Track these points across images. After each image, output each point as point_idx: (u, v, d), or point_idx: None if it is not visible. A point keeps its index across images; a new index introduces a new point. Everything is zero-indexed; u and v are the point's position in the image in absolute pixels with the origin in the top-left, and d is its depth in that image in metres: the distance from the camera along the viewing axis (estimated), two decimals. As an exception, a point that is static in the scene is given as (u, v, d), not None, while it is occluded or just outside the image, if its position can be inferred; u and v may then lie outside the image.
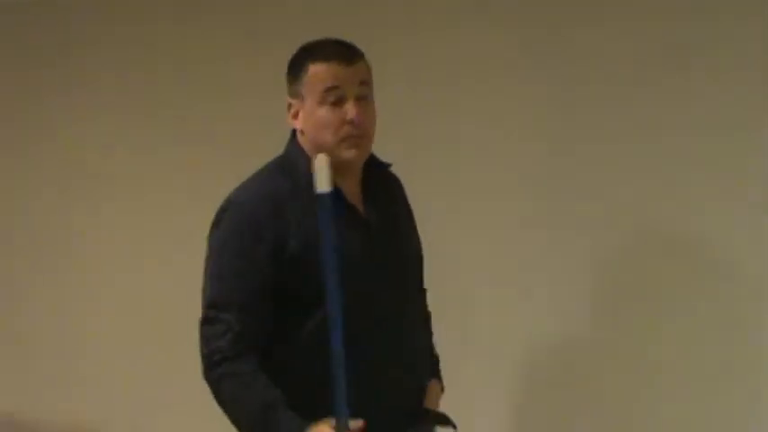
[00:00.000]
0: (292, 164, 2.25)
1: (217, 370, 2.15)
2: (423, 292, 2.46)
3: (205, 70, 3.44)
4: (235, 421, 2.17)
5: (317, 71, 2.20)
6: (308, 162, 2.17)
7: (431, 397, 2.34)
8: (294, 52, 2.28)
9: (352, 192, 2.27)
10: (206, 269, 2.23)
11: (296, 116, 2.25)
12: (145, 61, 3.53)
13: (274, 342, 2.19)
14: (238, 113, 3.39)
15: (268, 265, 2.17)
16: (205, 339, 2.19)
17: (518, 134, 3.06)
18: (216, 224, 2.24)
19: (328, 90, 2.19)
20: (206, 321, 2.19)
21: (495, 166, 3.09)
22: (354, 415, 2.07)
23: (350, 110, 2.18)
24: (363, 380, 2.12)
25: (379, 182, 2.34)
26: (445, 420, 2.37)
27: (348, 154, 2.21)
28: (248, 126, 3.33)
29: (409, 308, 2.31)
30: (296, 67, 2.24)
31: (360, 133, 2.21)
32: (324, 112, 2.20)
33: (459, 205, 3.11)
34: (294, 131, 2.29)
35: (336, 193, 2.14)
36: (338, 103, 2.19)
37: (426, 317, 2.45)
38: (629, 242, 2.98)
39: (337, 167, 2.14)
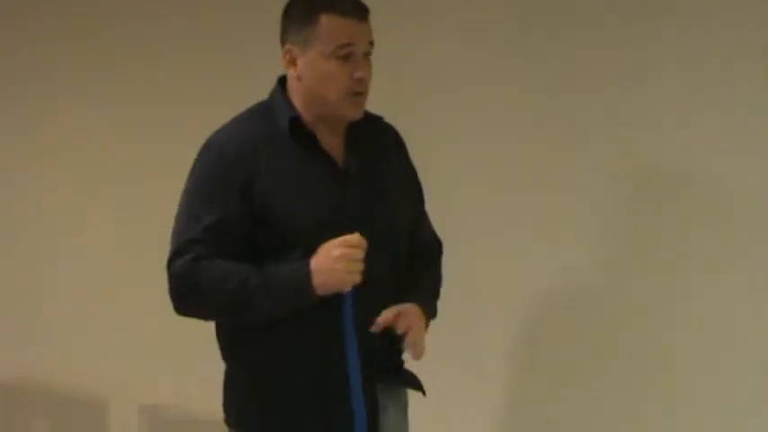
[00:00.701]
0: (274, 111, 2.26)
1: (187, 256, 2.17)
2: (426, 251, 2.43)
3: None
4: (217, 304, 2.19)
5: (333, 24, 2.18)
6: (291, 112, 2.23)
7: (407, 312, 2.26)
8: None
9: (332, 143, 2.27)
10: (179, 206, 2.25)
11: (293, 62, 2.23)
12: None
13: None
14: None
15: (235, 205, 2.18)
16: (172, 255, 2.22)
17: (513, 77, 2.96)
18: (193, 164, 2.27)
19: (342, 46, 2.19)
20: (175, 255, 2.20)
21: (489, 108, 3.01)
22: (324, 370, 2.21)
23: (359, 68, 2.20)
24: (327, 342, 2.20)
25: (369, 136, 2.32)
26: (416, 385, 2.38)
27: (350, 111, 2.23)
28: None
29: (380, 268, 2.22)
30: (303, 14, 2.21)
31: (363, 90, 2.22)
32: (332, 67, 2.19)
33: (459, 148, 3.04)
34: (283, 79, 2.29)
35: (312, 140, 2.24)
36: (347, 58, 2.19)
37: (429, 274, 2.43)
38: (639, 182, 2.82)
39: (322, 119, 2.24)
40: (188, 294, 2.18)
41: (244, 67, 3.27)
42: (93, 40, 3.59)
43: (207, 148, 2.25)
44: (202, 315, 2.27)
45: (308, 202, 2.21)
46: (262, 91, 2.33)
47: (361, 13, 2.22)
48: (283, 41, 2.25)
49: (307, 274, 2.12)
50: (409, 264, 2.34)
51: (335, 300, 2.15)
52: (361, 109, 2.25)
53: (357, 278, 2.13)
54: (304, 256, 2.13)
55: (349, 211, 2.22)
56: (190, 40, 3.44)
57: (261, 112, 2.27)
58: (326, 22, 2.18)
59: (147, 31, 3.50)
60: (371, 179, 2.28)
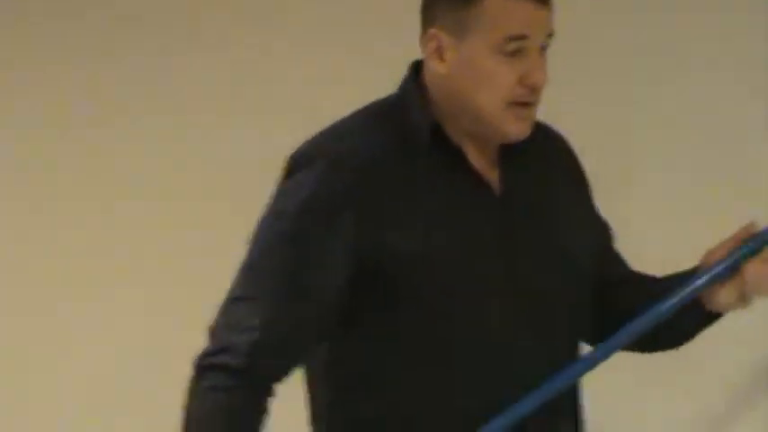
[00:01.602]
0: (404, 112, 1.60)
1: (208, 377, 1.51)
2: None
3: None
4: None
5: (504, 6, 1.53)
6: (430, 117, 1.57)
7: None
8: None
9: (482, 161, 1.60)
10: (251, 249, 1.57)
11: (439, 54, 1.57)
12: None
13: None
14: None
15: (336, 275, 1.50)
16: (214, 329, 1.54)
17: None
18: (279, 191, 1.58)
19: (513, 38, 1.53)
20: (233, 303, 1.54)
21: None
22: None
23: (534, 69, 1.54)
24: None
25: (531, 147, 1.62)
26: None
27: (513, 128, 1.55)
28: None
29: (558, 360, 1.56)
30: None
31: (534, 100, 1.56)
32: (495, 65, 1.54)
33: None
34: (418, 65, 1.63)
35: (458, 153, 1.56)
36: (516, 54, 1.54)
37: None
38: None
39: (469, 133, 1.57)
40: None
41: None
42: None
43: (300, 167, 1.56)
44: None
45: (465, 254, 1.54)
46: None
47: None
48: (427, 22, 1.58)
49: None
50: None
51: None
52: (528, 126, 1.57)
53: None
54: (460, 337, 1.51)
55: (518, 257, 1.58)
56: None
57: (383, 120, 1.60)
58: (493, 2, 1.53)
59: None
60: (536, 213, 1.62)
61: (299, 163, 1.55)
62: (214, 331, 1.53)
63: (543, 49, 1.56)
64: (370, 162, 1.52)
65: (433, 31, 1.55)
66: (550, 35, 1.57)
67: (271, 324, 1.48)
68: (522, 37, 1.52)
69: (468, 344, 1.52)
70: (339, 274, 1.49)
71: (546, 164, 1.67)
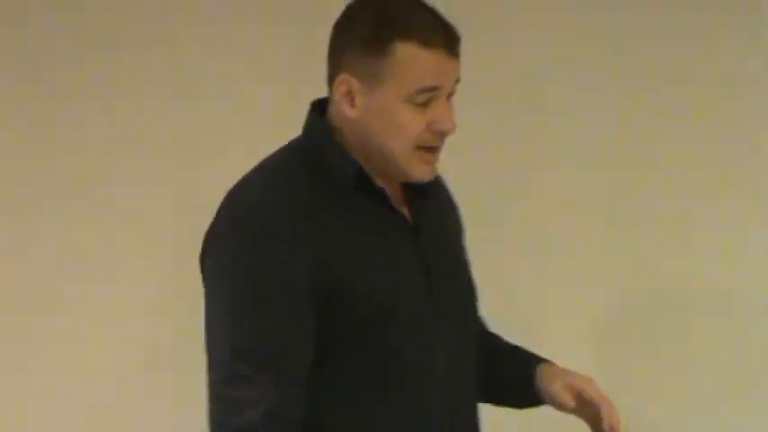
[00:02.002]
0: (322, 158, 1.63)
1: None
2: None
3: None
4: None
5: (415, 59, 1.56)
6: (351, 160, 1.61)
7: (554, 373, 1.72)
8: (354, 10, 1.64)
9: (395, 193, 1.67)
10: (213, 307, 1.57)
11: (349, 99, 1.59)
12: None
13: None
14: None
15: (307, 298, 1.54)
16: (228, 405, 1.52)
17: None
18: (221, 236, 1.58)
19: (425, 90, 1.57)
20: (231, 380, 1.52)
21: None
22: None
23: (442, 117, 1.58)
24: None
25: (428, 187, 1.69)
26: None
27: (418, 171, 1.60)
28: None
29: (469, 360, 1.70)
30: (372, 38, 1.58)
31: (440, 145, 1.61)
32: (405, 115, 1.57)
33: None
34: (319, 104, 1.67)
35: (381, 192, 1.62)
36: (427, 104, 1.58)
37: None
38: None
39: (376, 169, 1.62)
40: None
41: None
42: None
43: (240, 221, 1.57)
44: None
45: (395, 276, 1.63)
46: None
47: (452, 43, 1.59)
48: (338, 66, 1.60)
49: None
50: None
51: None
52: (433, 170, 1.63)
53: None
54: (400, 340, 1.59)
55: (436, 280, 1.66)
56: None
57: (303, 161, 1.63)
58: (405, 54, 1.55)
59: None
60: (441, 239, 1.72)
61: (235, 221, 1.57)
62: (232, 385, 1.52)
63: (451, 95, 1.60)
64: (303, 208, 1.55)
65: (344, 76, 1.57)
66: (457, 81, 1.61)
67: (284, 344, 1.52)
68: (434, 89, 1.56)
69: (410, 363, 1.59)
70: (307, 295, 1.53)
71: (440, 206, 1.75)
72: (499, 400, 1.81)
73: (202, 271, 1.61)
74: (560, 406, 1.69)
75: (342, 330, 1.55)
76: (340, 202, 1.59)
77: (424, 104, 1.57)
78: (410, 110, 1.56)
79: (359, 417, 1.57)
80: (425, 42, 1.54)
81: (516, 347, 1.80)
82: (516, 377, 1.75)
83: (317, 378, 1.53)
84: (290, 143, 1.66)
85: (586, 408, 1.67)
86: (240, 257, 1.53)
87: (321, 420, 1.55)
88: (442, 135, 1.59)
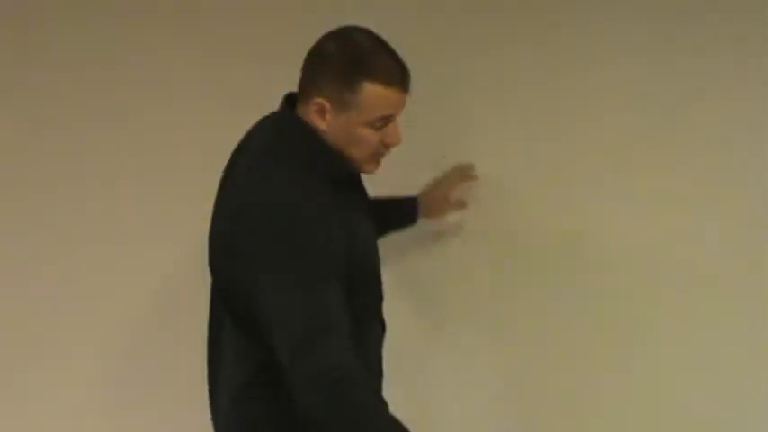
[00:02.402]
0: (323, 156, 2.11)
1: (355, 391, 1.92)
2: None
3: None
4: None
5: (377, 95, 2.05)
6: (337, 156, 2.12)
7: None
8: (331, 42, 2.13)
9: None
10: (280, 285, 1.94)
11: (322, 115, 2.08)
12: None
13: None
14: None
15: (340, 266, 2.01)
16: (318, 355, 1.90)
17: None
18: (266, 230, 1.97)
19: (382, 118, 2.09)
20: (316, 336, 1.91)
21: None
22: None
23: (392, 135, 2.12)
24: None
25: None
26: None
27: (369, 168, 2.17)
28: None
29: None
30: (344, 76, 2.05)
31: (388, 152, 2.17)
32: (367, 134, 2.09)
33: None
34: (292, 99, 2.17)
35: (360, 185, 2.23)
36: (382, 126, 2.11)
37: None
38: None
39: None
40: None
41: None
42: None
43: (284, 215, 1.97)
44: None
45: (372, 242, 2.23)
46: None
47: (406, 82, 2.10)
48: (314, 87, 2.08)
49: None
50: None
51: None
52: (378, 167, 2.18)
53: None
54: (370, 295, 2.19)
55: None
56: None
57: (301, 153, 2.09)
58: (370, 91, 2.05)
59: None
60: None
61: (284, 213, 1.97)
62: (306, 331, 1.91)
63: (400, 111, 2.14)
64: (322, 196, 2.01)
65: (318, 99, 2.05)
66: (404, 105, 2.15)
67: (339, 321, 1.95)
68: (389, 116, 2.08)
69: (378, 305, 2.22)
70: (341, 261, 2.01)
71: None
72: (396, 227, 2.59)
73: (246, 266, 1.97)
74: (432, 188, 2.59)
75: (353, 286, 2.02)
76: (340, 190, 2.07)
77: (380, 127, 2.08)
78: (369, 131, 2.07)
79: (362, 344, 2.04)
80: (387, 83, 2.04)
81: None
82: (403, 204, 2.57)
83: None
84: (282, 139, 2.10)
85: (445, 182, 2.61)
86: (296, 242, 1.94)
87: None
88: (391, 147, 2.13)
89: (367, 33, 2.11)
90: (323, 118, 2.08)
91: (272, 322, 1.92)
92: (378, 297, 2.23)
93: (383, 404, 1.98)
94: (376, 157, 2.15)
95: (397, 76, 2.07)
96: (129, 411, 3.13)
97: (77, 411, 3.16)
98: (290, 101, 2.16)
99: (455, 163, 2.76)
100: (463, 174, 2.66)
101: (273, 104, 2.29)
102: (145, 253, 3.06)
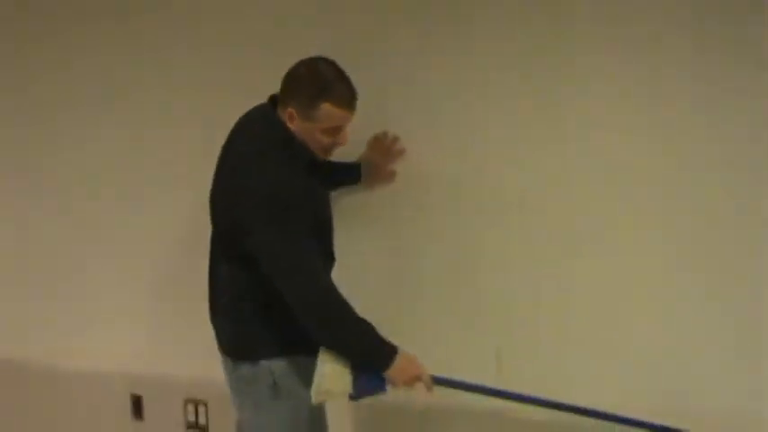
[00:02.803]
0: (292, 141, 2.74)
1: (337, 300, 2.63)
2: None
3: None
4: (344, 340, 2.66)
5: (332, 113, 2.69)
6: (306, 146, 2.74)
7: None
8: (302, 68, 2.69)
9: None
10: (278, 241, 2.62)
11: (291, 120, 2.71)
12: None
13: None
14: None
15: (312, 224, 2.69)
16: (308, 280, 2.63)
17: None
18: (263, 205, 2.61)
19: (335, 128, 2.72)
20: (306, 267, 2.63)
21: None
22: None
23: (341, 138, 2.76)
24: None
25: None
26: None
27: (324, 156, 2.81)
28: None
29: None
30: (309, 97, 2.68)
31: (337, 148, 2.81)
32: (322, 137, 2.73)
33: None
34: (276, 108, 2.77)
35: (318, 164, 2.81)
36: (333, 132, 2.74)
37: None
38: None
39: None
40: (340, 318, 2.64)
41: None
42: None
43: (275, 191, 2.62)
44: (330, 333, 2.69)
45: (327, 202, 2.89)
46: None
47: (354, 104, 2.72)
48: (287, 101, 2.72)
49: (396, 356, 2.67)
50: None
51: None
52: (330, 156, 2.83)
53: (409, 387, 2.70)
54: (327, 238, 2.84)
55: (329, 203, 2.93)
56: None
57: (283, 146, 2.73)
58: (327, 109, 2.69)
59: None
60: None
61: (275, 194, 2.62)
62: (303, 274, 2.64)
63: (348, 123, 2.74)
64: (299, 175, 2.70)
65: (289, 109, 2.72)
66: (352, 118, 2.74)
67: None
68: (340, 127, 2.74)
69: (331, 242, 2.87)
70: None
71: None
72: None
73: (248, 232, 2.63)
74: (366, 159, 3.18)
75: (318, 233, 2.72)
76: (307, 169, 2.72)
77: (332, 133, 2.73)
78: (324, 135, 2.74)
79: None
80: (340, 106, 2.69)
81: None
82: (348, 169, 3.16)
83: None
84: (275, 139, 2.73)
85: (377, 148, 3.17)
86: (285, 209, 2.60)
87: None
88: (340, 146, 2.78)
89: (331, 64, 2.71)
90: (292, 122, 2.72)
91: (267, 258, 2.62)
92: (331, 239, 2.86)
93: (352, 309, 2.61)
94: (328, 151, 2.79)
95: (348, 100, 2.69)
96: (160, 316, 3.70)
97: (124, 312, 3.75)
98: (274, 100, 2.77)
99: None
100: (392, 149, 3.20)
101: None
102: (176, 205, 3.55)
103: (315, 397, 2.68)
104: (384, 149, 3.21)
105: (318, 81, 2.69)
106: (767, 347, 2.87)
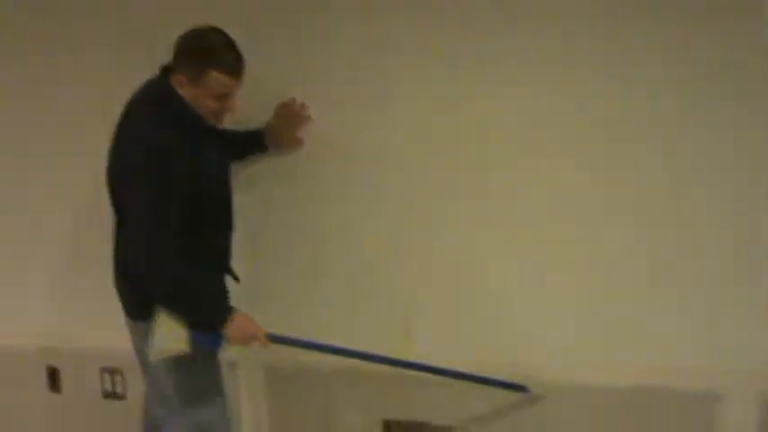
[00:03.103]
0: (181, 105, 2.83)
1: (171, 262, 2.72)
2: None
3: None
4: (178, 301, 2.77)
5: (218, 80, 2.80)
6: (194, 110, 2.83)
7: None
8: (192, 36, 2.76)
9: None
10: (140, 193, 2.73)
11: (181, 85, 2.81)
12: None
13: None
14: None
15: (180, 187, 2.75)
16: (147, 239, 2.71)
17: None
18: (141, 164, 2.73)
19: (222, 94, 2.82)
20: (154, 219, 2.71)
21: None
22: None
23: (229, 104, 2.86)
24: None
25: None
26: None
27: (216, 122, 2.90)
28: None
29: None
30: (197, 63, 2.78)
31: (227, 113, 2.90)
32: (211, 103, 2.83)
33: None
34: (167, 69, 2.86)
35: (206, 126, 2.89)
36: (221, 98, 2.83)
37: None
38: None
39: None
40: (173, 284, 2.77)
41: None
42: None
43: (150, 147, 2.72)
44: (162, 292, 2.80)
45: (220, 168, 2.98)
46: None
47: (240, 72, 2.82)
48: (176, 67, 2.82)
49: (230, 319, 2.81)
50: None
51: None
52: (222, 121, 2.92)
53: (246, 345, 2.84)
54: (219, 206, 2.94)
55: (225, 166, 3.03)
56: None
57: (170, 111, 2.81)
58: (214, 76, 2.80)
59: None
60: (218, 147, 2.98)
61: (152, 146, 2.73)
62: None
63: (237, 90, 2.84)
64: (184, 139, 2.79)
65: (179, 76, 2.81)
66: (241, 85, 2.84)
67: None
68: (227, 94, 2.82)
69: (226, 211, 2.98)
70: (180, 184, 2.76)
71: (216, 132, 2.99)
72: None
73: (126, 182, 2.76)
74: (272, 126, 3.20)
75: (204, 200, 2.83)
76: (198, 135, 2.82)
77: (220, 99, 2.82)
78: (212, 100, 2.83)
79: (210, 242, 2.94)
80: (227, 73, 2.79)
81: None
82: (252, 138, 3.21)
83: (198, 221, 2.83)
84: (162, 100, 2.83)
85: (282, 118, 3.19)
86: (155, 168, 2.69)
87: (200, 240, 2.87)
88: (229, 111, 2.87)
89: (220, 32, 2.80)
90: (182, 88, 2.82)
91: (128, 212, 2.76)
92: (226, 208, 2.96)
93: (192, 273, 2.74)
94: (218, 116, 2.88)
95: (235, 68, 2.80)
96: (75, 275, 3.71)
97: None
98: (166, 70, 2.86)
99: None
100: (300, 115, 3.23)
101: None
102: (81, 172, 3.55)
103: (152, 355, 2.80)
104: (291, 116, 3.25)
105: (206, 49, 2.79)
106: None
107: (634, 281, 2.95)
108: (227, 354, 3.12)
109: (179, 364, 2.91)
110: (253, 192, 3.27)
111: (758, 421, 2.78)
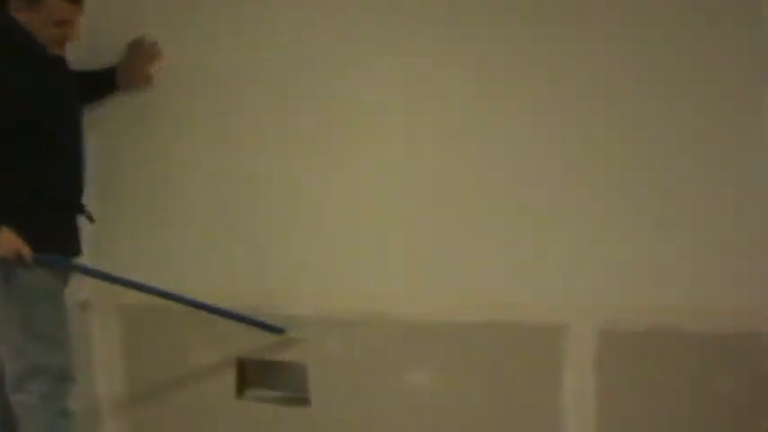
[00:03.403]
0: (17, 31, 2.86)
1: None
2: None
3: None
4: None
5: (58, 7, 2.86)
6: (33, 37, 2.85)
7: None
8: None
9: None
10: None
11: (18, 12, 2.84)
12: None
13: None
14: None
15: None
16: None
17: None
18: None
19: (63, 20, 2.86)
20: None
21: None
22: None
23: (70, 32, 2.90)
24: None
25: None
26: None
27: (57, 51, 2.94)
28: None
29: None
30: None
31: (69, 42, 2.94)
32: (51, 30, 2.87)
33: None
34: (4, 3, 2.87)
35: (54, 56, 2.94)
36: (62, 24, 2.87)
37: None
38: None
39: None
40: None
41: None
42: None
43: None
44: None
45: (60, 97, 2.95)
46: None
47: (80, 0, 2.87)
48: None
49: None
50: None
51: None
52: (64, 50, 2.95)
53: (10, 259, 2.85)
54: (60, 132, 2.94)
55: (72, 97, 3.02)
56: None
57: (14, 44, 2.86)
58: (53, 3, 2.85)
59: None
60: (69, 79, 3.03)
61: None
62: None
63: (79, 17, 2.88)
64: (18, 71, 2.85)
65: (16, 2, 2.84)
66: (83, 12, 2.89)
67: None
68: (67, 20, 2.86)
69: (66, 137, 2.99)
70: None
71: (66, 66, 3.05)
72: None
73: None
74: (123, 65, 3.22)
75: (49, 126, 2.88)
76: (41, 65, 2.88)
77: (60, 25, 2.86)
78: (53, 27, 2.87)
79: (52, 162, 2.95)
80: None
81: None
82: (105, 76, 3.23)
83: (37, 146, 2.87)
84: (3, 34, 2.86)
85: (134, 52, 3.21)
86: None
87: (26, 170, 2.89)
88: (71, 40, 2.90)
89: None
90: (19, 14, 2.85)
91: None
92: (65, 141, 2.98)
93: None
94: (59, 44, 2.91)
95: None
96: None
97: None
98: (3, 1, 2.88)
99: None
100: (151, 52, 3.26)
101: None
102: None
103: None
104: (142, 53, 3.26)
105: None
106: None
107: (475, 218, 3.00)
108: (79, 295, 3.09)
109: (21, 303, 2.93)
110: (107, 132, 3.28)
111: (596, 348, 2.95)
